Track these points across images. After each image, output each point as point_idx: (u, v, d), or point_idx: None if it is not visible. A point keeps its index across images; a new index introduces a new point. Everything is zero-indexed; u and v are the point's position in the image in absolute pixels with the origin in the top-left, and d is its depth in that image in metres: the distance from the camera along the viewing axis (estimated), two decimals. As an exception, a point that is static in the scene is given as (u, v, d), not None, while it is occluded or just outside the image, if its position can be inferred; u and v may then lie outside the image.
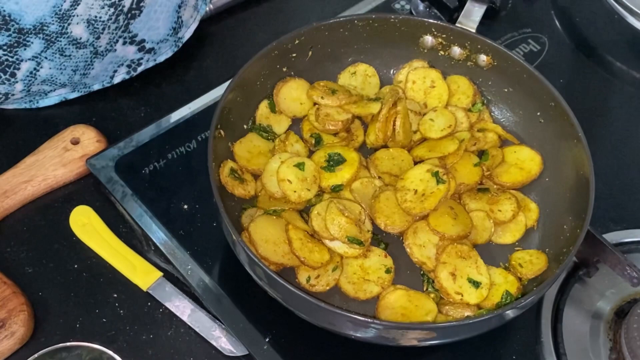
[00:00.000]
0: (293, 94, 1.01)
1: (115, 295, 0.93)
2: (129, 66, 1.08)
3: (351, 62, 1.05)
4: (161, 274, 0.94)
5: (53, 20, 0.94)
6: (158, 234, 0.95)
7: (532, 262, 0.91)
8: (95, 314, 0.91)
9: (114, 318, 0.91)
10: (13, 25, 0.93)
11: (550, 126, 0.98)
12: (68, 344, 0.84)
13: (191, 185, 1.00)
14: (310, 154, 0.99)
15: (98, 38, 0.98)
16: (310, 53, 1.02)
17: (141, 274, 0.94)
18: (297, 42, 0.99)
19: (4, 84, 0.99)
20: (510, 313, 0.83)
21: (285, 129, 1.01)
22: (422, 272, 0.92)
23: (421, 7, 1.22)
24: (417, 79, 1.05)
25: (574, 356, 0.91)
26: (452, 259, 0.89)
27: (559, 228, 0.92)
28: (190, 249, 0.95)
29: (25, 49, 0.95)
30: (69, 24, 0.95)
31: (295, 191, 0.93)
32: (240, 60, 0.95)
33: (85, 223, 0.97)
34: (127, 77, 1.09)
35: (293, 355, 0.89)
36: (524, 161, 0.99)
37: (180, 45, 1.11)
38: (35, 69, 0.98)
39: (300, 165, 0.94)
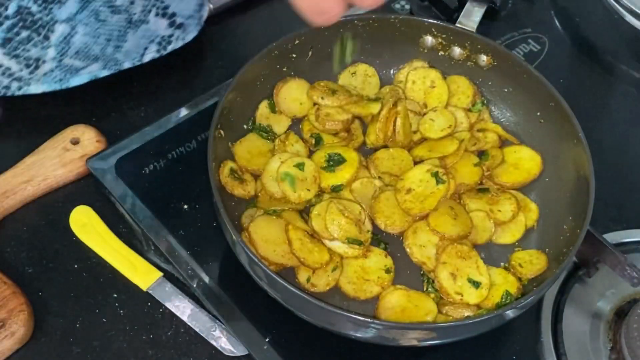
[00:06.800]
0: (293, 94, 1.01)
1: (115, 295, 0.93)
2: (159, 43, 1.07)
3: (351, 62, 1.05)
4: (161, 274, 0.94)
5: None
6: (158, 234, 0.95)
7: (532, 262, 0.91)
8: (95, 314, 0.91)
9: (114, 318, 0.91)
10: None
11: (550, 126, 0.98)
12: None
13: (191, 185, 1.00)
14: (310, 154, 0.99)
15: (132, 3, 0.97)
16: (310, 53, 1.02)
17: (141, 274, 0.94)
18: (297, 42, 0.99)
19: (37, 46, 0.96)
20: (510, 313, 0.83)
21: (285, 129, 1.01)
22: (422, 272, 0.92)
23: (421, 7, 1.22)
24: (417, 79, 1.05)
25: (574, 356, 0.90)
26: (452, 259, 0.89)
27: (559, 228, 0.92)
28: (190, 249, 0.94)
29: (60, 7, 0.94)
30: None
31: (295, 191, 0.93)
32: (240, 60, 0.95)
33: (85, 223, 0.97)
34: (157, 55, 1.07)
35: (293, 355, 0.88)
36: (524, 161, 0.99)
37: (202, 24, 1.10)
38: (69, 33, 0.97)
39: (300, 165, 0.94)
